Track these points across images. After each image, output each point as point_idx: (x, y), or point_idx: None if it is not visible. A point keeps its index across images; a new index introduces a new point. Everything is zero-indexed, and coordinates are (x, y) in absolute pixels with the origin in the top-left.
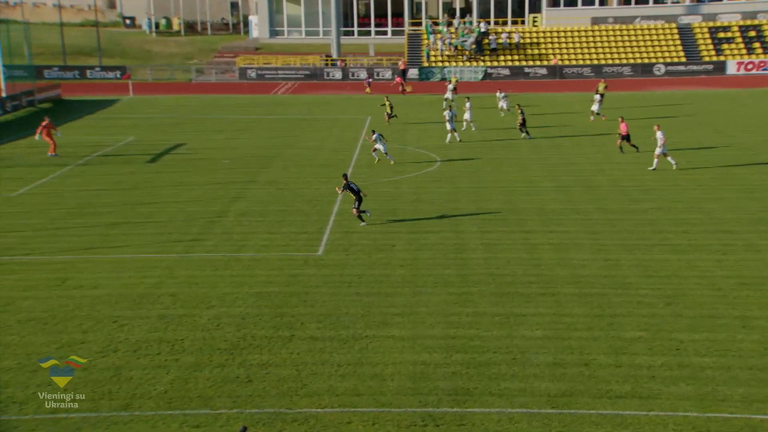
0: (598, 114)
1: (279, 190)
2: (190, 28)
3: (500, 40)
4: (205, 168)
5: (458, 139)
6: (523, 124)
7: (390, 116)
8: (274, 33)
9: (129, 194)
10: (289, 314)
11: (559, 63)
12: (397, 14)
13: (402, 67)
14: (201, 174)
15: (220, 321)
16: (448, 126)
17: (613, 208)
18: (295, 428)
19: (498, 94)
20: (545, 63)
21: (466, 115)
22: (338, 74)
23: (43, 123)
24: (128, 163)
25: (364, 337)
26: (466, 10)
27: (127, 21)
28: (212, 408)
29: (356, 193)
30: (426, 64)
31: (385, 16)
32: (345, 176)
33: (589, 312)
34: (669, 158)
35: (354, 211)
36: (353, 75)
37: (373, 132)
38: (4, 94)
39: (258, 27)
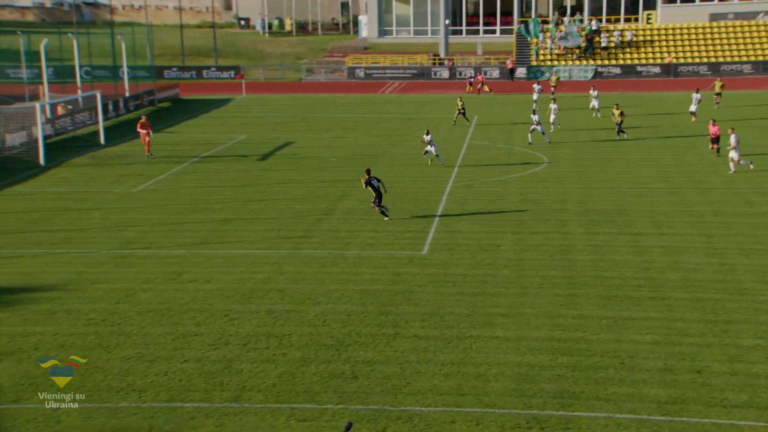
0: (693, 114)
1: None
2: (302, 28)
3: (612, 38)
4: (313, 166)
5: (548, 140)
6: (620, 123)
7: (460, 113)
8: (382, 32)
9: (240, 191)
10: (394, 312)
11: (674, 61)
12: (506, 12)
13: (510, 66)
14: (309, 172)
15: (327, 317)
16: (539, 128)
17: (728, 211)
18: (400, 426)
19: (591, 92)
20: (659, 61)
21: (552, 117)
22: (445, 73)
23: (141, 121)
24: (240, 160)
25: (468, 337)
26: (576, 8)
27: (242, 22)
28: (318, 403)
29: (375, 189)
30: (534, 63)
31: (494, 15)
32: (368, 171)
33: (702, 317)
34: (737, 161)
35: (372, 205)
36: (460, 74)
37: (427, 132)
38: (127, 94)
39: (367, 27)
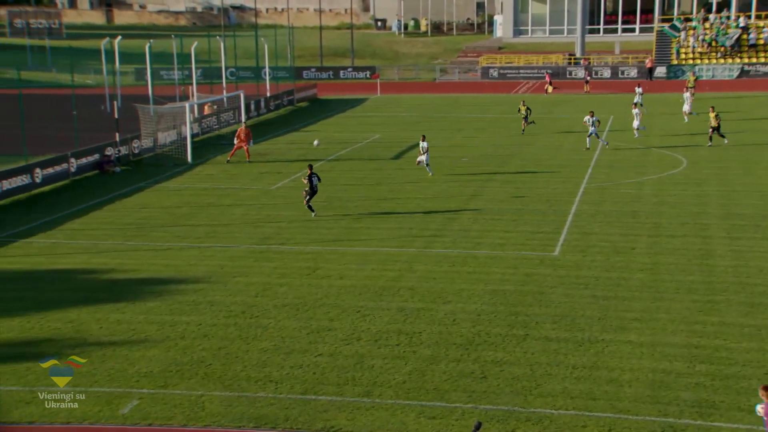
0: None
1: (516, 188)
2: (437, 28)
3: (761, 35)
4: (445, 165)
5: (606, 143)
6: (718, 128)
7: (527, 122)
8: (518, 32)
9: (373, 189)
10: (524, 313)
11: None
12: (647, 10)
13: (649, 65)
14: (440, 171)
15: (456, 316)
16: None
17: None
18: (530, 428)
19: (684, 94)
20: None
21: (635, 123)
22: (581, 73)
23: (242, 129)
24: (373, 159)
25: (600, 341)
26: (722, 4)
27: (379, 23)
28: (448, 401)
29: (313, 185)
30: (675, 62)
31: (634, 13)
32: (310, 167)
33: None
34: None
35: (305, 200)
36: (597, 74)
37: (423, 138)
38: (268, 94)
39: (502, 26)
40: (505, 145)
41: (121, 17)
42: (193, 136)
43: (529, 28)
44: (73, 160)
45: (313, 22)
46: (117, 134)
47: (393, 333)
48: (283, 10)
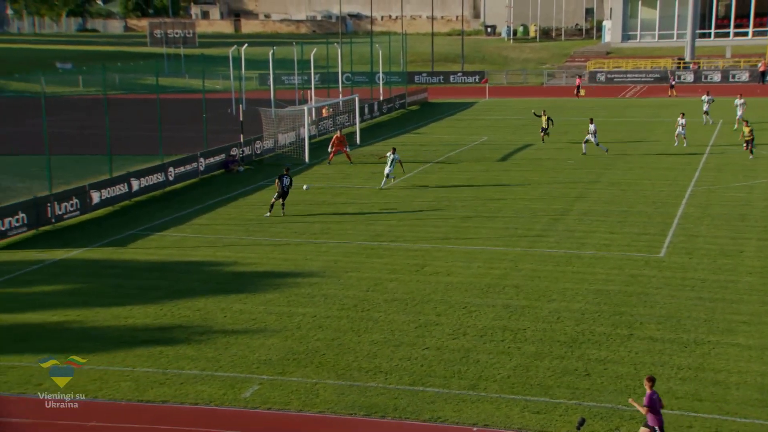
0: None
1: (622, 191)
2: (545, 34)
3: None
4: (550, 167)
5: (604, 150)
6: (751, 141)
7: (545, 132)
8: (626, 37)
9: (480, 190)
10: (628, 313)
11: None
12: (761, 13)
13: (762, 68)
14: (546, 173)
15: (560, 314)
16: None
17: None
18: (634, 426)
19: (737, 101)
20: None
21: (678, 130)
22: (689, 77)
23: (337, 137)
24: (481, 161)
25: (706, 343)
26: None
27: (488, 29)
28: (552, 397)
29: (284, 188)
30: None
31: (747, 17)
32: (287, 169)
33: None
34: None
35: (273, 200)
36: (706, 78)
37: (393, 150)
38: (381, 98)
39: (611, 32)
40: (611, 148)
41: (248, 26)
42: (310, 137)
43: (638, 33)
44: (202, 159)
45: (426, 29)
46: (242, 136)
47: (498, 329)
48: (397, 17)
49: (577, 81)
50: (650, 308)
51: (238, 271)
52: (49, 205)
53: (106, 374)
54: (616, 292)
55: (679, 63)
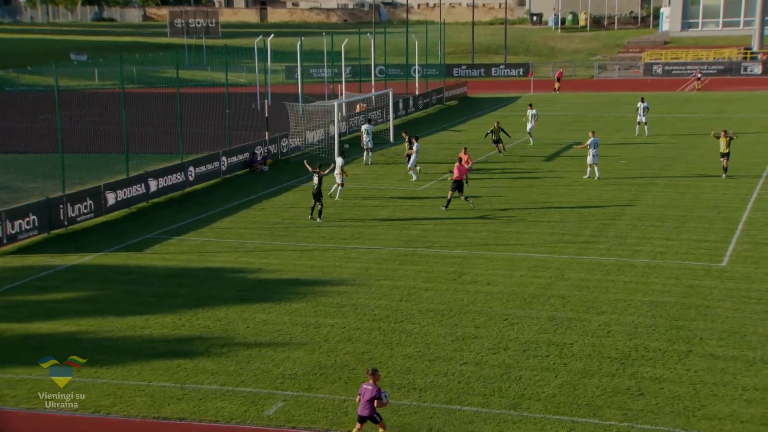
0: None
1: (680, 193)
2: (597, 22)
3: None
4: (601, 167)
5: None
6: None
7: (498, 145)
8: (686, 25)
9: (524, 192)
10: (687, 327)
11: None
12: None
13: None
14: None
15: (611, 328)
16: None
17: None
18: None
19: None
20: None
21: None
22: (757, 68)
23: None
24: (525, 160)
25: None
26: None
27: (534, 18)
28: (601, 418)
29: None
30: None
31: None
32: (320, 165)
33: None
34: None
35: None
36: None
37: (414, 138)
38: (417, 92)
39: (669, 19)
40: (668, 147)
41: (275, 15)
42: (341, 134)
43: (700, 20)
44: (224, 158)
45: (466, 18)
46: (267, 133)
47: (542, 343)
48: (434, 5)
49: (558, 74)
50: (711, 322)
51: (262, 278)
52: (61, 206)
53: (120, 389)
54: (673, 304)
55: (746, 53)
